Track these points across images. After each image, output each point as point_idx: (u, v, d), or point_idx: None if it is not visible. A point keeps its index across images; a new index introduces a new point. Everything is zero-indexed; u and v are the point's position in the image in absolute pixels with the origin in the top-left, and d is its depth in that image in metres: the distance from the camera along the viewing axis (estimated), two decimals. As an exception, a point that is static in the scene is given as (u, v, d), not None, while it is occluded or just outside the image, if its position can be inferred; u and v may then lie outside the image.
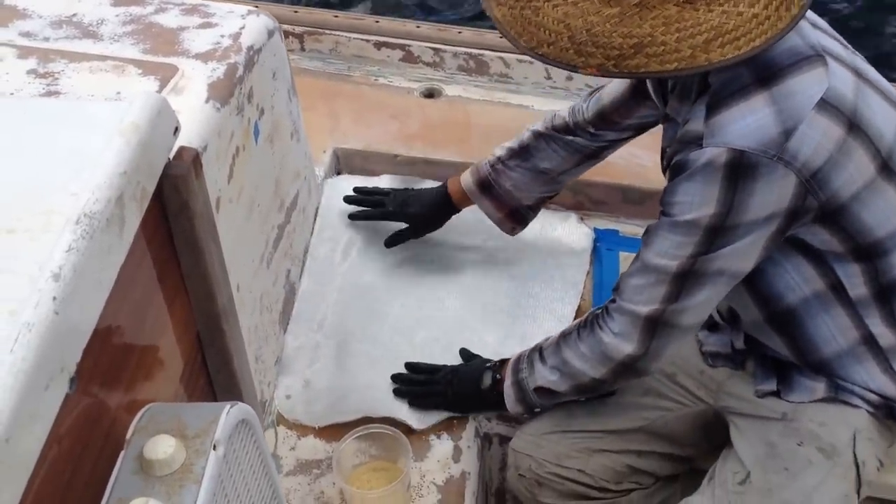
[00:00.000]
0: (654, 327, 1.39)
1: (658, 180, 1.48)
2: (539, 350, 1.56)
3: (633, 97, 1.64)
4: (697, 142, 1.27)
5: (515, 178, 1.79)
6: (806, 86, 1.25)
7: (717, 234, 1.29)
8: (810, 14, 1.31)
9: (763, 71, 1.26)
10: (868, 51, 1.53)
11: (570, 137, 1.73)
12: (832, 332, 1.42)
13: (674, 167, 1.30)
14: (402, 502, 1.57)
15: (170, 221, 1.25)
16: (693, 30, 1.16)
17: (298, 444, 1.67)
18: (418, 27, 2.38)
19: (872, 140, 1.29)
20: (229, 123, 1.42)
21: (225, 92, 1.40)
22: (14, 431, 0.86)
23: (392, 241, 1.93)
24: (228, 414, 1.08)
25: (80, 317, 0.98)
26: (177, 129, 1.20)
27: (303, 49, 2.35)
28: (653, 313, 1.38)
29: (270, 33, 1.57)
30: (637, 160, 2.01)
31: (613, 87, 1.68)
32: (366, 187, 2.01)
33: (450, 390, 1.67)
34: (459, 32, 2.35)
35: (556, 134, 1.74)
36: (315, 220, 1.97)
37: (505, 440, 1.73)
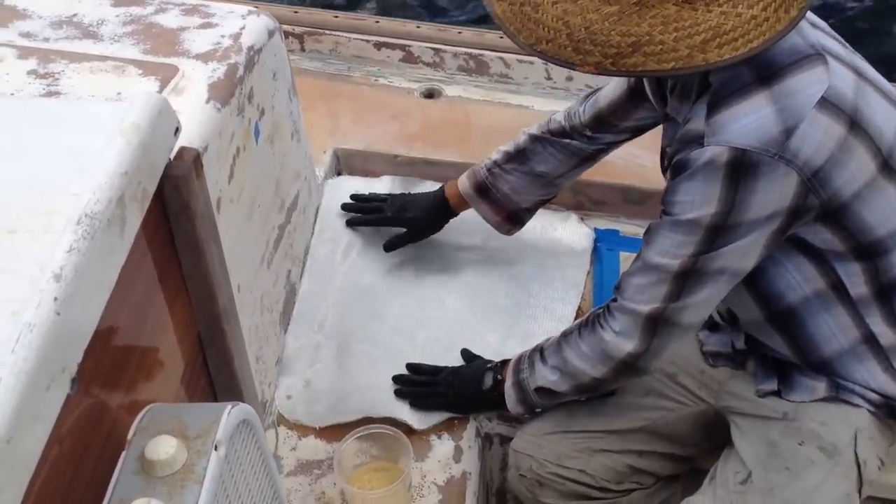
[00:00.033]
0: (656, 326, 1.39)
1: (658, 180, 1.48)
2: (540, 350, 1.56)
3: (630, 99, 1.64)
4: (698, 141, 1.27)
5: (513, 182, 1.79)
6: (806, 84, 1.25)
7: (718, 232, 1.29)
8: (809, 14, 1.31)
9: (764, 70, 1.26)
10: (874, 52, 1.53)
11: (567, 141, 1.73)
12: (833, 331, 1.42)
13: (675, 166, 1.30)
14: (403, 502, 1.57)
15: (171, 222, 1.25)
16: (691, 30, 1.16)
17: (299, 445, 1.67)
18: (418, 27, 2.38)
19: (873, 138, 1.29)
20: (230, 124, 1.42)
21: (225, 92, 1.40)
22: (15, 432, 0.86)
23: (390, 245, 1.93)
24: (229, 414, 1.08)
25: (81, 317, 0.98)
26: (177, 130, 1.20)
27: (303, 49, 2.35)
28: (654, 312, 1.38)
29: (271, 33, 1.57)
30: (637, 160, 2.01)
31: (610, 90, 1.67)
32: (362, 194, 2.01)
33: (451, 391, 1.67)
34: (459, 33, 2.34)
35: (553, 137, 1.74)
36: (315, 220, 1.97)
37: (506, 440, 1.73)
